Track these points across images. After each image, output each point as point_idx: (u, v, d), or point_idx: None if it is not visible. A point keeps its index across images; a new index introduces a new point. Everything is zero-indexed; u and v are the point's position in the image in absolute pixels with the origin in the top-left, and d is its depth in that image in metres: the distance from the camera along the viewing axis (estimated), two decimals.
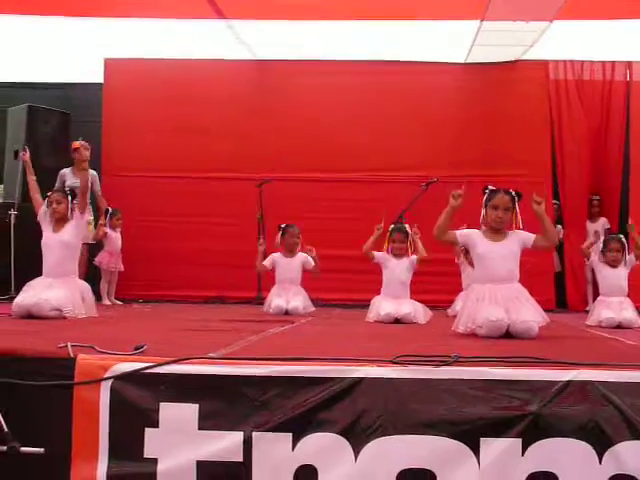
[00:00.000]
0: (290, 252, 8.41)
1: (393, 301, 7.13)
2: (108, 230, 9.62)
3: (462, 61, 10.78)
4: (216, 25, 9.88)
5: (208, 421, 3.21)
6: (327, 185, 10.57)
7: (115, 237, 9.77)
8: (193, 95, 10.80)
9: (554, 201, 10.75)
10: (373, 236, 7.50)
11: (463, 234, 5.69)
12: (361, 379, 3.19)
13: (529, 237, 5.57)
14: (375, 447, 3.12)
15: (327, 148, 10.60)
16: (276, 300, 8.07)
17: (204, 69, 10.95)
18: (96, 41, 10.45)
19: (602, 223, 10.69)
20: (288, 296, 8.13)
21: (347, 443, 3.14)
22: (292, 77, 10.92)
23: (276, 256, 8.48)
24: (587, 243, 7.89)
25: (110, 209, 9.71)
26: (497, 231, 5.53)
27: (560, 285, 10.73)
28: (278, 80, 10.92)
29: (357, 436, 3.14)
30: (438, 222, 5.60)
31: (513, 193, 5.54)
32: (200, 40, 10.45)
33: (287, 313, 7.90)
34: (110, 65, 11.02)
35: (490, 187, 5.59)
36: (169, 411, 3.22)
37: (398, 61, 10.74)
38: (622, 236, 7.58)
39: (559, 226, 10.63)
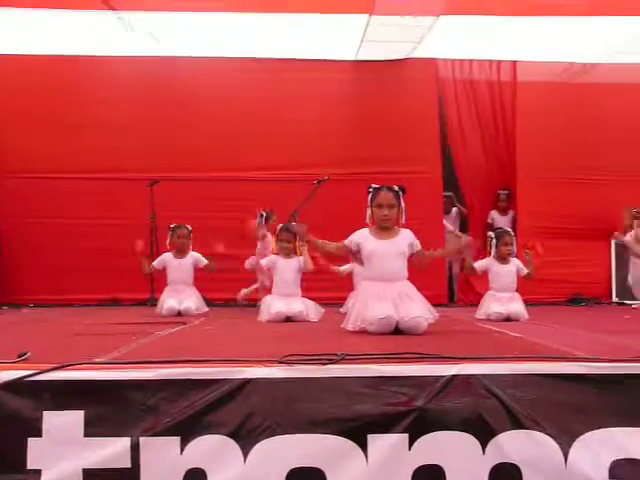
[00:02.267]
0: (180, 252, 8.35)
1: (284, 299, 7.16)
2: (267, 233, 8.88)
3: (353, 57, 10.82)
4: (106, 18, 9.57)
5: (94, 428, 3.15)
6: (219, 184, 10.49)
7: (269, 240, 8.72)
8: (84, 92, 10.57)
9: (445, 193, 11.05)
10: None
11: (350, 241, 5.67)
12: (248, 380, 3.19)
13: (416, 246, 5.65)
14: (264, 447, 3.12)
15: (219, 147, 10.55)
16: (168, 301, 8.02)
17: (93, 65, 10.68)
18: None
19: (510, 217, 11.06)
20: (181, 297, 8.09)
21: (236, 445, 3.13)
22: (183, 74, 10.78)
23: (166, 256, 8.42)
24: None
25: (265, 212, 9.12)
26: (385, 229, 5.58)
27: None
28: (168, 78, 10.76)
29: (246, 437, 3.13)
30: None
31: (396, 188, 5.60)
32: (90, 34, 10.14)
33: (180, 314, 7.86)
34: None
35: (373, 185, 5.65)
36: (53, 419, 3.15)
37: (289, 58, 10.73)
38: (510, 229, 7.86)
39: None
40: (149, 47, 10.56)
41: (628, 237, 9.89)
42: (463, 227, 11.55)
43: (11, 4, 9.40)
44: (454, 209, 11.50)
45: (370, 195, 5.61)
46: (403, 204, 5.58)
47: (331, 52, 10.68)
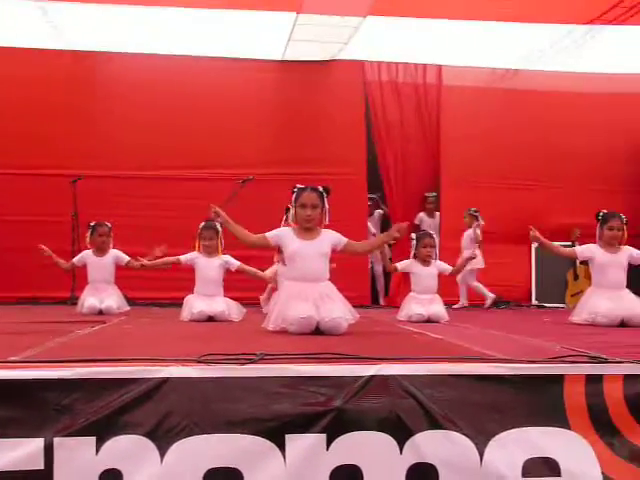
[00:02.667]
0: (100, 251, 8.24)
1: (206, 299, 7.13)
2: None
3: (280, 56, 10.83)
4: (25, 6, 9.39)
5: (5, 429, 3.05)
6: (143, 182, 10.44)
7: None
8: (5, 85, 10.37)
9: (370, 195, 11.14)
10: None
11: (273, 236, 5.69)
12: (166, 379, 3.14)
13: (341, 241, 5.66)
14: (181, 448, 3.08)
15: (143, 145, 10.47)
16: (89, 300, 7.92)
17: (14, 56, 10.50)
18: None
19: (438, 219, 11.22)
20: (102, 296, 7.99)
21: (153, 445, 3.07)
22: (107, 70, 10.72)
23: (86, 254, 8.30)
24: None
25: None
26: (308, 229, 5.58)
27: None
28: (92, 73, 10.67)
29: (162, 437, 3.08)
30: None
31: (320, 189, 5.62)
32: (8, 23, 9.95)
33: (101, 313, 7.76)
34: None
35: (298, 185, 5.66)
36: None
37: (216, 57, 10.69)
38: (433, 232, 7.96)
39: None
40: (70, 41, 10.39)
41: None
42: (385, 229, 11.62)
43: None
44: (377, 211, 11.57)
45: (294, 195, 5.62)
46: (327, 205, 5.60)
47: (258, 51, 10.67)
